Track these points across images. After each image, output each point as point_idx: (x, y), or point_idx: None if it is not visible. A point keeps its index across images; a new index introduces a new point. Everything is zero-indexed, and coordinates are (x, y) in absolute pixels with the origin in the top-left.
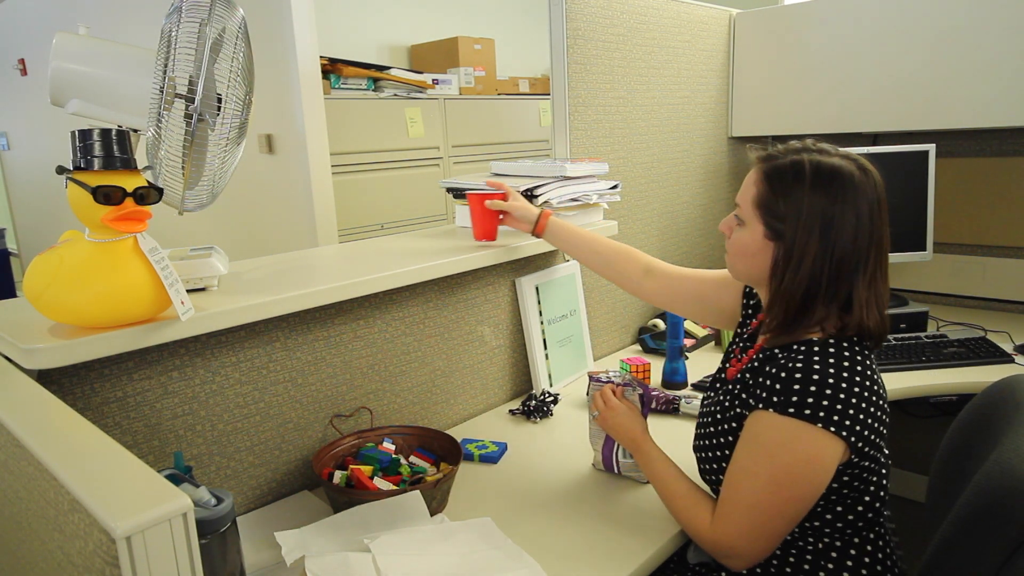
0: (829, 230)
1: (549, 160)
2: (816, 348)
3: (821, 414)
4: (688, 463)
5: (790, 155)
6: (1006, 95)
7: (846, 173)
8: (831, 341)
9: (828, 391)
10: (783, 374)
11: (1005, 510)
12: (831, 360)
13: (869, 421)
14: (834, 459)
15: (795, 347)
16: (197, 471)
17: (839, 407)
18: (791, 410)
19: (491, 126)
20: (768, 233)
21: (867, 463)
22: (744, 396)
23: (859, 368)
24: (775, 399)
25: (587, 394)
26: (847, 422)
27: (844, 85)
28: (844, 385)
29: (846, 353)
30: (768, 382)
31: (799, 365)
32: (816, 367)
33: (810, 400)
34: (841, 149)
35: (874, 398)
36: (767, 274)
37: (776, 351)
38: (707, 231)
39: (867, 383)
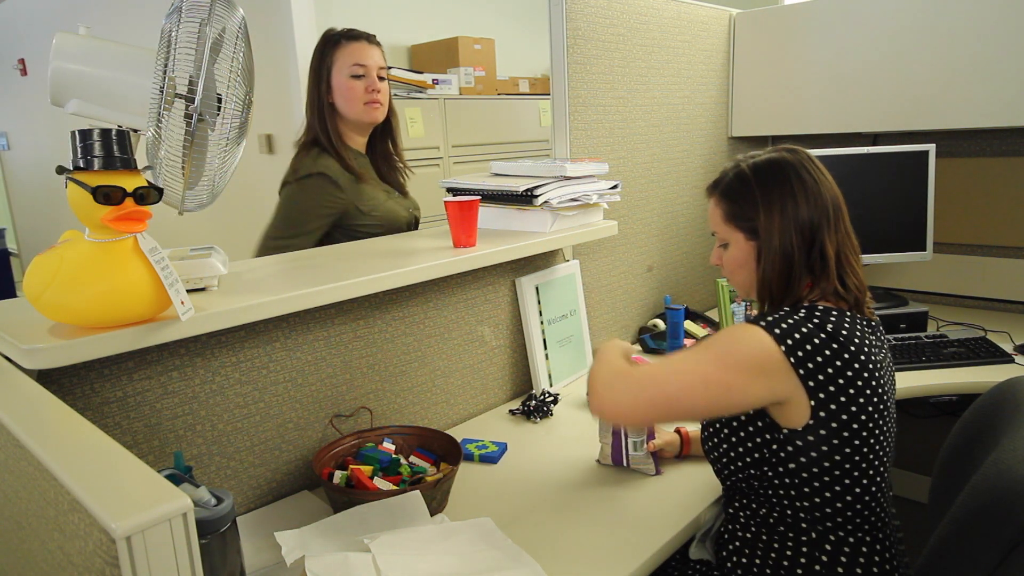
0: (786, 204)
1: (549, 160)
2: (805, 304)
3: (788, 341)
4: (689, 463)
5: (730, 171)
6: (1006, 95)
7: (779, 159)
8: (821, 304)
9: (804, 328)
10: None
11: (1002, 510)
12: (817, 313)
13: (835, 376)
14: (781, 387)
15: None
16: (197, 471)
17: (807, 347)
18: (762, 323)
19: (491, 126)
20: (747, 236)
21: (844, 433)
22: None
23: (844, 331)
24: (754, 321)
25: None
26: (809, 363)
27: (844, 85)
28: (824, 335)
29: (833, 314)
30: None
31: (784, 310)
32: (801, 313)
33: (784, 325)
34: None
35: (853, 361)
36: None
37: None
38: (707, 231)
39: (850, 345)
